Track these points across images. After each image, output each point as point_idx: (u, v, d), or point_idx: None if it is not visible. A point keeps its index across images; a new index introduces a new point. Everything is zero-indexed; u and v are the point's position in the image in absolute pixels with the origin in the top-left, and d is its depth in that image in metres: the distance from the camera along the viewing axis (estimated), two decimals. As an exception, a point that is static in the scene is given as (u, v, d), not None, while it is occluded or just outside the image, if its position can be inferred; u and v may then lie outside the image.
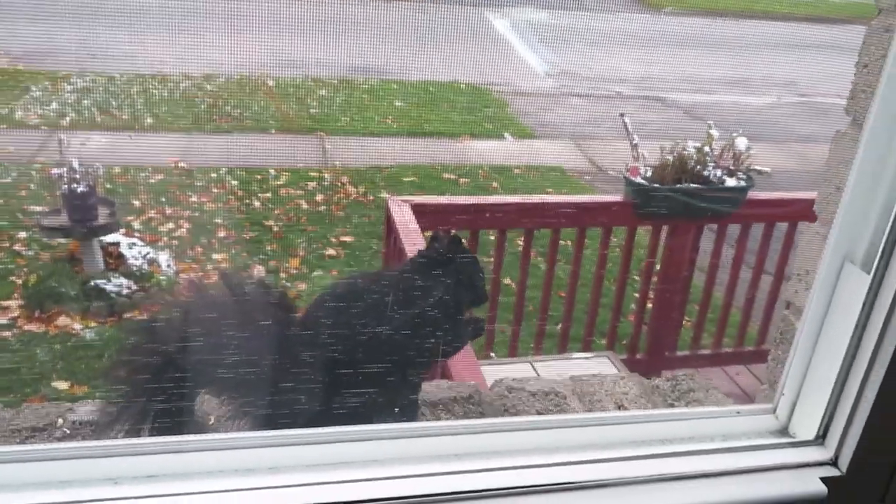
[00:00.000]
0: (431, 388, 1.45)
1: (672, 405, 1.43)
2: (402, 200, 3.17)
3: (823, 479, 1.03)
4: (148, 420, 1.23)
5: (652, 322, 3.98)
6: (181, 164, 5.60)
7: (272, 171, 5.79)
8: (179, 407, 1.30)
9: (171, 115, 6.54)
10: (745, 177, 3.51)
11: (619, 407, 1.41)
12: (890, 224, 0.93)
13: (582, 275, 3.83)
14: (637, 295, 4.10)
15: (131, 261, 4.49)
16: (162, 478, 0.93)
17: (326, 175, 5.87)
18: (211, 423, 1.37)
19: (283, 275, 4.54)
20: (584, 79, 7.55)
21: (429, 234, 4.19)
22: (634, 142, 3.50)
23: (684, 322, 4.11)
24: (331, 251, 4.87)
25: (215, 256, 4.58)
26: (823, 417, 1.06)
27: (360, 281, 1.62)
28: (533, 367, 3.33)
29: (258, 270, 4.35)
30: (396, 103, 7.64)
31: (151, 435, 1.20)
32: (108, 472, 0.93)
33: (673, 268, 3.88)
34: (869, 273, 0.95)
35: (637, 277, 4.16)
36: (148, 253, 4.63)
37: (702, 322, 3.97)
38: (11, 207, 4.95)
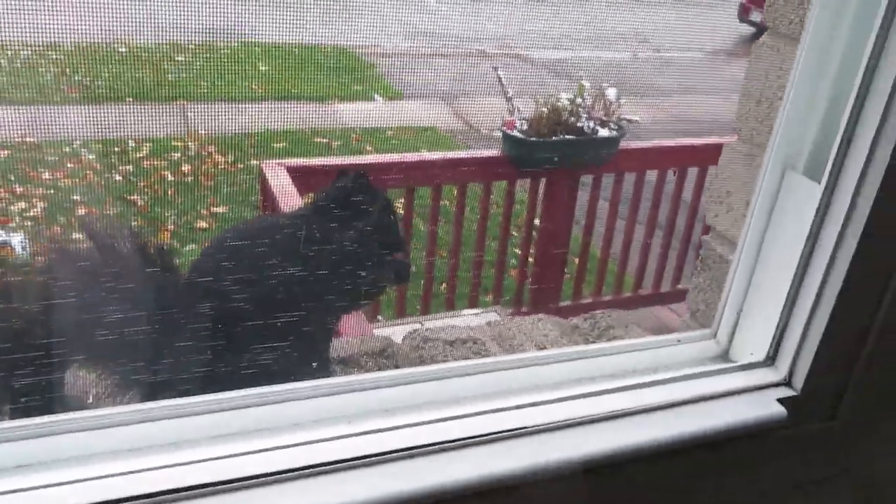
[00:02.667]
0: (340, 345, 1.35)
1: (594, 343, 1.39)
2: (277, 164, 3.00)
3: (780, 401, 1.00)
4: (7, 400, 1.06)
5: (535, 276, 4.01)
6: (28, 139, 5.11)
7: (132, 143, 5.39)
8: (45, 382, 1.13)
9: (10, 85, 5.95)
10: (616, 127, 3.54)
11: (542, 349, 1.36)
12: (843, 128, 0.89)
13: (463, 234, 3.79)
14: (518, 251, 4.11)
15: (-21, 245, 4.07)
16: (28, 467, 0.78)
17: (191, 144, 5.52)
18: (89, 401, 1.22)
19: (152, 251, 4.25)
20: (447, 38, 7.49)
21: (309, 197, 4.03)
22: (509, 95, 3.45)
23: (565, 274, 4.16)
24: (202, 223, 4.61)
25: (76, 236, 4.21)
26: (774, 338, 1.02)
27: (258, 224, 1.50)
28: (423, 326, 3.26)
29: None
30: (261, 67, 7.29)
31: (14, 418, 1.03)
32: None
33: (552, 221, 3.90)
34: (819, 182, 0.91)
35: (515, 233, 4.17)
36: (-2, 236, 4.22)
37: (582, 273, 4.02)
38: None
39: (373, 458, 0.81)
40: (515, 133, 3.50)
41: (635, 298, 4.00)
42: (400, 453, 0.82)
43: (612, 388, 0.93)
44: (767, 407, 0.97)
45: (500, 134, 3.59)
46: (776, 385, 0.99)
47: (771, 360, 1.00)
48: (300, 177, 2.95)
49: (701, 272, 1.06)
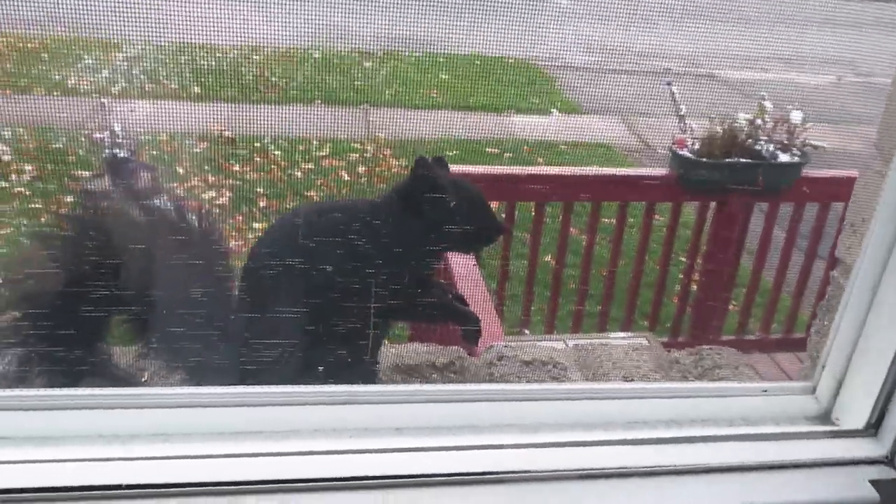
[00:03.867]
0: (406, 353, 1.29)
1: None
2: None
3: (874, 483, 0.80)
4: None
5: (696, 304, 3.76)
6: (226, 133, 5.51)
7: (315, 142, 5.67)
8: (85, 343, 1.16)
9: (218, 84, 6.46)
10: (799, 152, 3.25)
11: (628, 380, 1.24)
12: None
13: (624, 252, 3.63)
14: (681, 275, 3.88)
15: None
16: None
17: (369, 147, 5.73)
18: (144, 379, 1.25)
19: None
20: (632, 55, 7.25)
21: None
22: (681, 112, 3.27)
23: (731, 306, 3.88)
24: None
25: (255, 225, 4.48)
26: (877, 402, 0.82)
27: (329, 210, 1.46)
28: (566, 344, 3.15)
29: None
30: (442, 76, 7.43)
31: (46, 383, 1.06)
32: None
33: (720, 248, 3.65)
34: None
35: (683, 259, 3.94)
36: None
37: (749, 306, 3.73)
38: (60, 172, 4.93)
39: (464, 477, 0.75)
40: (685, 153, 3.30)
41: (788, 341, 3.67)
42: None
43: (670, 437, 0.80)
44: (855, 487, 0.77)
45: (669, 153, 3.41)
46: (872, 462, 0.78)
47: (873, 429, 0.80)
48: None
49: (826, 313, 0.90)
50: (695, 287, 3.75)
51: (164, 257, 1.30)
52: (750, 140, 3.22)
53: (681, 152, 3.37)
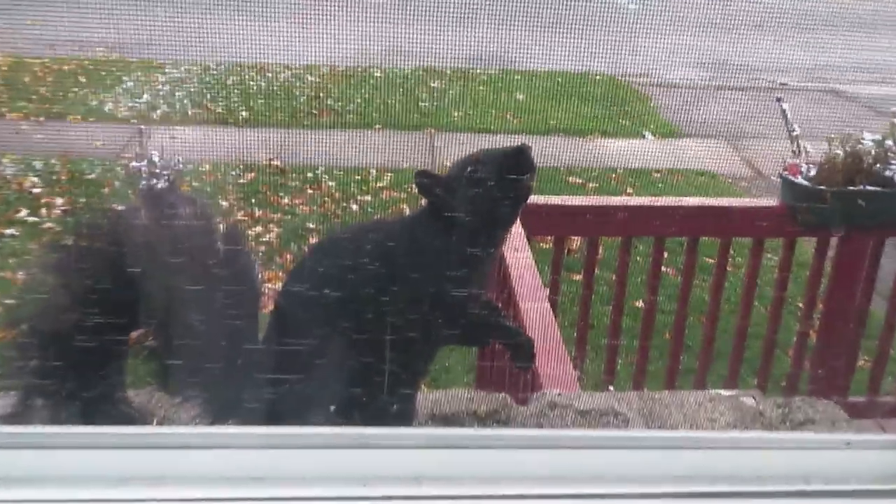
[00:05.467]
0: (447, 399, 1.29)
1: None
2: (504, 200, 3.00)
3: None
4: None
5: (816, 358, 3.63)
6: (275, 162, 5.66)
7: (374, 171, 5.77)
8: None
9: (268, 108, 6.66)
10: (940, 179, 3.14)
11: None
12: None
13: (728, 297, 3.55)
14: (798, 324, 3.76)
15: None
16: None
17: (434, 176, 5.80)
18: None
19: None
20: (741, 69, 7.16)
21: (545, 244, 4.02)
22: (794, 132, 3.20)
23: (859, 361, 3.73)
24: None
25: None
26: None
27: (374, 227, 1.52)
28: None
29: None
30: (518, 96, 7.49)
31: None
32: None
33: (844, 291, 3.53)
34: None
35: (799, 304, 3.83)
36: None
37: (883, 362, 3.59)
38: (94, 205, 5.14)
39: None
40: (800, 180, 3.21)
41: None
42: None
43: (734, 491, 0.76)
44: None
45: (780, 180, 3.33)
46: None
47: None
48: (527, 216, 2.92)
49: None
50: (814, 338, 3.63)
51: (196, 282, 1.37)
52: (878, 164, 3.12)
53: (794, 179, 3.28)
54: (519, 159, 1.50)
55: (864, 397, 3.57)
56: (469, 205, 1.49)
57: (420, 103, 6.93)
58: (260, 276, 1.65)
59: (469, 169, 1.53)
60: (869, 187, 3.18)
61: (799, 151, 3.26)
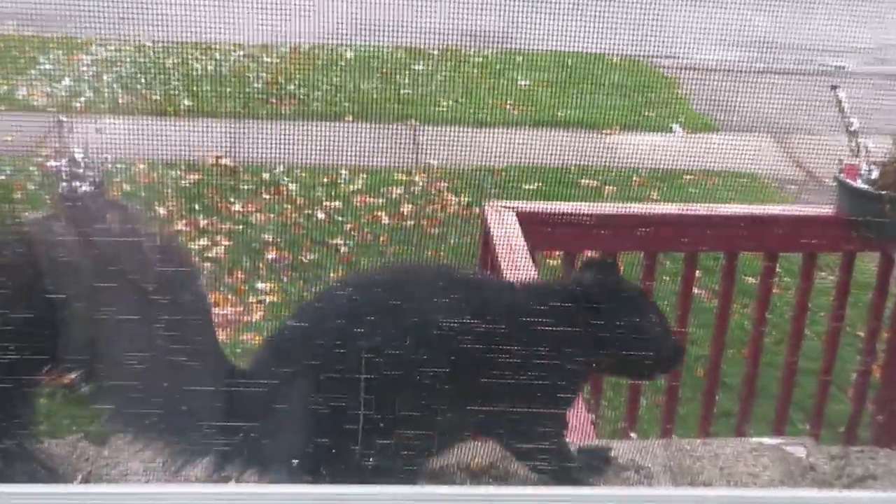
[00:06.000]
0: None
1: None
2: (503, 206, 3.05)
3: None
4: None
5: (882, 400, 3.67)
6: (224, 161, 5.69)
7: (345, 173, 5.80)
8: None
9: (216, 95, 6.69)
10: None
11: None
12: None
13: (773, 324, 3.58)
14: (859, 357, 3.80)
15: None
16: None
17: (418, 178, 5.83)
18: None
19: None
20: (789, 49, 7.23)
21: (552, 260, 4.05)
22: (852, 127, 3.24)
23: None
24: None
25: (259, 286, 4.58)
26: None
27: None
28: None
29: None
30: (520, 82, 7.53)
31: None
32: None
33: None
34: None
35: (860, 333, 3.88)
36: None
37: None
38: (2, 213, 5.14)
39: None
40: (859, 184, 3.26)
41: None
42: None
43: None
44: None
45: (836, 184, 3.37)
46: None
47: None
48: (532, 225, 2.95)
49: None
50: (878, 375, 3.67)
51: (129, 307, 1.41)
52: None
53: (853, 183, 3.33)
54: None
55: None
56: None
57: (401, 90, 6.97)
58: (207, 299, 1.70)
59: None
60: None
61: (858, 149, 3.32)
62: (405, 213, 5.45)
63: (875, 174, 3.28)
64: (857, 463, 1.30)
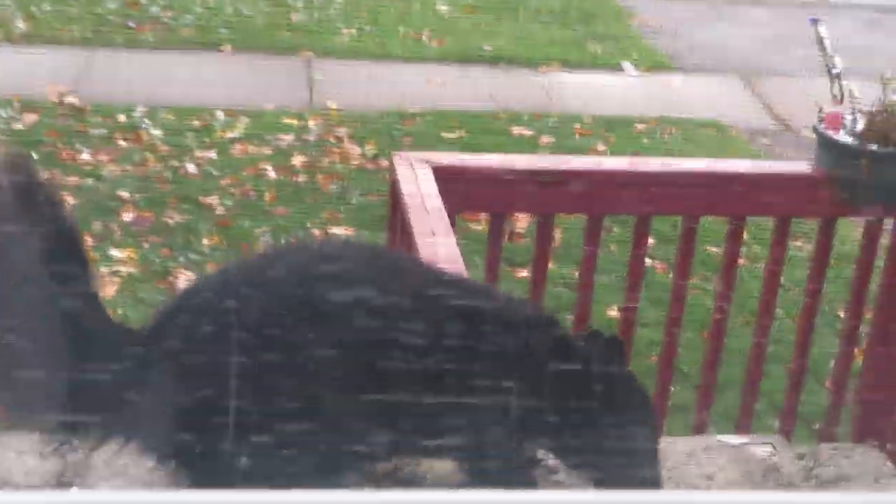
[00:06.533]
0: None
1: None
2: (417, 159, 3.05)
3: None
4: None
5: (863, 390, 3.78)
6: (68, 99, 5.59)
7: (221, 115, 5.73)
8: None
9: (59, 18, 6.57)
10: None
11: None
12: None
13: (740, 301, 3.66)
14: (839, 341, 3.90)
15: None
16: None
17: (312, 124, 5.79)
18: None
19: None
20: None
21: (476, 224, 4.06)
22: (835, 69, 3.31)
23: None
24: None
25: (113, 253, 4.51)
26: None
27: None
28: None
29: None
30: (440, 7, 7.52)
31: None
32: None
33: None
34: None
35: (840, 314, 3.98)
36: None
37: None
38: None
39: None
40: (841, 136, 3.34)
41: None
42: None
43: None
44: None
45: (815, 136, 3.44)
46: None
47: None
48: (451, 183, 2.94)
49: None
50: (861, 361, 3.77)
51: None
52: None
53: (834, 135, 3.41)
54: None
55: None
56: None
57: (292, 14, 6.91)
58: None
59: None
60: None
61: (841, 96, 3.38)
62: (296, 166, 5.42)
63: (861, 125, 3.36)
64: (829, 463, 1.35)
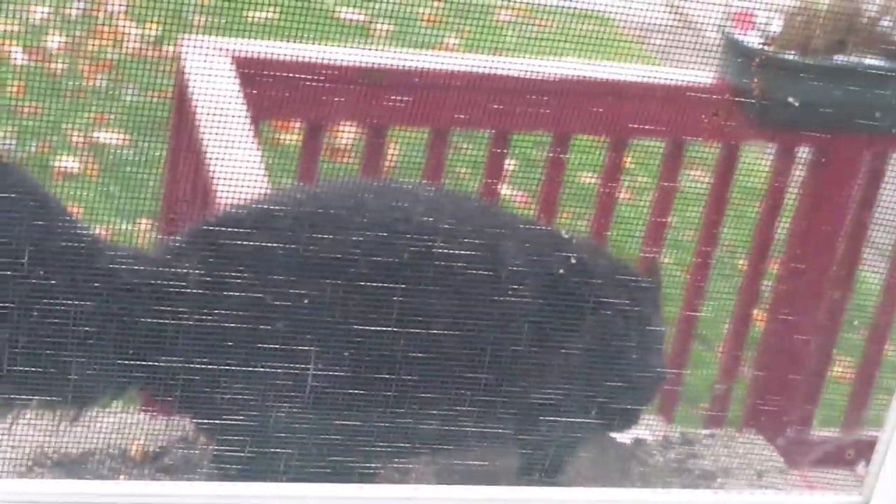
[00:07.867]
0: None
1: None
2: (214, 48, 3.04)
3: None
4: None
5: (761, 362, 3.91)
6: None
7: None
8: None
9: None
10: None
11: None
12: None
13: (615, 242, 3.75)
14: (735, 297, 4.02)
15: None
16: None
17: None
18: None
19: None
20: None
21: (287, 135, 4.05)
22: (746, -43, 3.40)
23: (835, 363, 4.05)
24: (72, 164, 4.74)
25: None
26: None
27: None
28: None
29: None
30: None
31: None
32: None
33: (818, 241, 3.81)
34: None
35: (741, 260, 4.09)
36: None
37: (874, 361, 3.91)
38: None
39: None
40: (752, 39, 3.43)
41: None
42: None
43: None
44: None
45: (720, 37, 3.52)
46: None
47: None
48: (255, 81, 2.93)
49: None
50: (763, 322, 3.89)
51: None
52: (886, 26, 3.38)
53: (743, 38, 3.49)
54: None
55: (838, 428, 3.89)
56: None
57: None
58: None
59: None
60: (870, 60, 3.43)
61: (752, -11, 3.47)
62: (52, 50, 5.33)
63: (777, 26, 3.44)
64: (705, 453, 1.41)
